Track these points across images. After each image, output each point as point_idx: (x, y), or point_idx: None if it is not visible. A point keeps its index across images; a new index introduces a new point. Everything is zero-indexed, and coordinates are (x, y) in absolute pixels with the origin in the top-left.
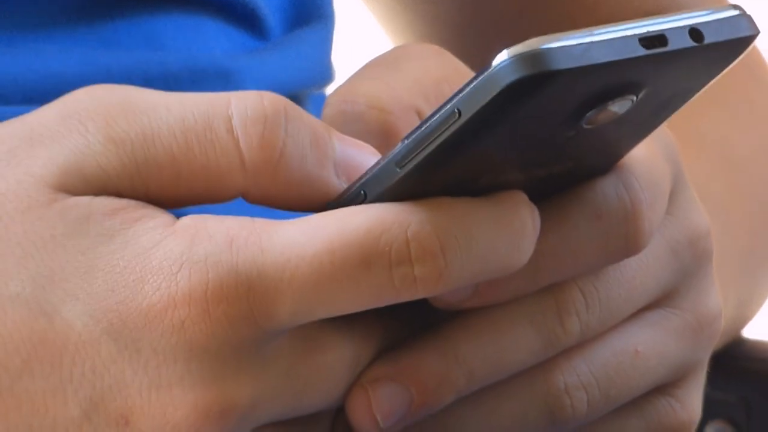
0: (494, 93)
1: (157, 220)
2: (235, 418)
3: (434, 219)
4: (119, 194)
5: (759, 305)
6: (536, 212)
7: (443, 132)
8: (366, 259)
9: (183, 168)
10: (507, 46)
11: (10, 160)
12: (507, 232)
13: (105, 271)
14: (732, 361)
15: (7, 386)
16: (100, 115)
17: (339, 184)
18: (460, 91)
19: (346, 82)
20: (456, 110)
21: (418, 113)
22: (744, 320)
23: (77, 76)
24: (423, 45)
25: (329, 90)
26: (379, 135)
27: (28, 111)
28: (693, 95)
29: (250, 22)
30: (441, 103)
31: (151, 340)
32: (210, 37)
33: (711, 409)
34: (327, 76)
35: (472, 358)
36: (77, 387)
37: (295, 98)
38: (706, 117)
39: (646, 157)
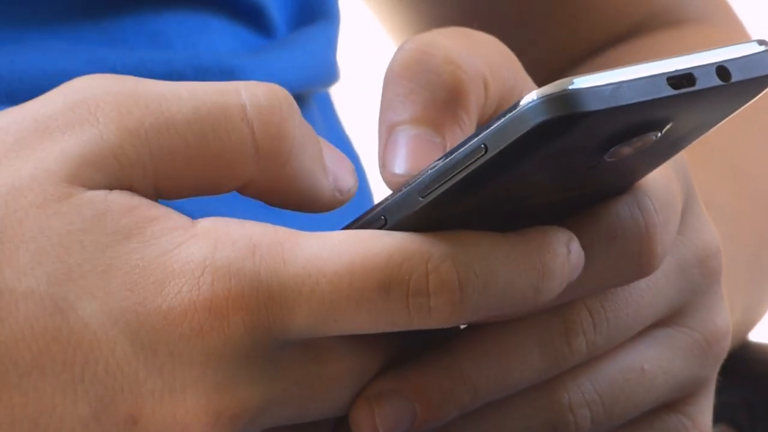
0: (522, 132)
1: (175, 221)
2: (243, 423)
3: (456, 254)
4: (132, 185)
5: (765, 310)
6: (574, 249)
7: (468, 166)
8: (385, 284)
9: (195, 157)
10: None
11: (20, 152)
12: (527, 273)
13: (124, 270)
14: (735, 364)
15: (15, 382)
16: (110, 104)
17: (329, 184)
18: (488, 126)
19: (424, 34)
20: (483, 145)
21: (485, 83)
22: (750, 325)
23: (82, 74)
24: (488, 34)
25: (334, 90)
26: (451, 90)
27: None
28: (713, 126)
29: (255, 20)
30: (499, 82)
31: (168, 343)
32: (215, 35)
33: (714, 412)
34: (332, 75)
35: (477, 376)
36: (88, 386)
37: (300, 97)
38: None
39: (660, 177)
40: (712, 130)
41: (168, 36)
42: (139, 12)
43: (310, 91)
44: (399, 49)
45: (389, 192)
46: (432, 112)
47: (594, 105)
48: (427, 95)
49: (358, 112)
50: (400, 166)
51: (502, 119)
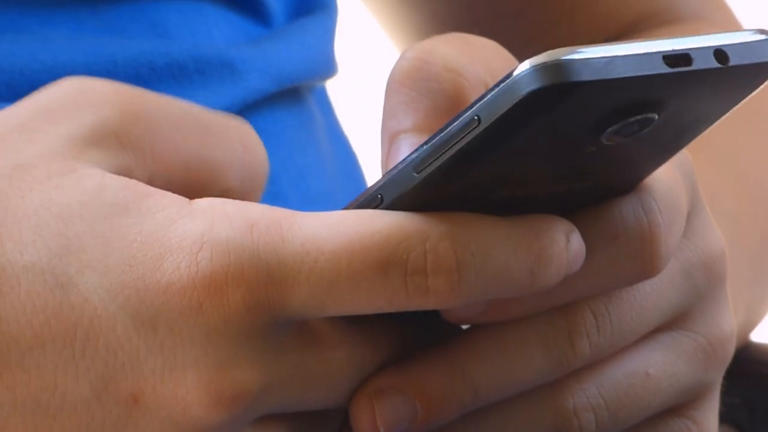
0: (514, 101)
1: (171, 198)
2: (245, 404)
3: (454, 234)
4: (130, 168)
5: (767, 311)
6: (574, 239)
7: (462, 138)
8: (383, 263)
9: (191, 156)
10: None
11: (22, 135)
12: (524, 256)
13: (122, 244)
14: (737, 365)
15: (17, 360)
16: (111, 92)
17: None
18: (481, 98)
19: (424, 42)
20: (476, 117)
21: (486, 88)
22: (752, 326)
23: (83, 66)
24: (488, 39)
25: (329, 83)
26: (451, 96)
27: None
28: (716, 120)
29: (253, 10)
30: None
31: (168, 320)
32: (213, 24)
33: None
34: (330, 67)
35: (479, 376)
36: (89, 364)
37: (297, 90)
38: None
39: (666, 178)
40: (714, 129)
41: (166, 25)
42: (136, 0)
43: (308, 85)
44: (400, 58)
45: None
46: (434, 120)
47: (586, 75)
48: (429, 103)
49: (354, 109)
50: None
51: (495, 89)
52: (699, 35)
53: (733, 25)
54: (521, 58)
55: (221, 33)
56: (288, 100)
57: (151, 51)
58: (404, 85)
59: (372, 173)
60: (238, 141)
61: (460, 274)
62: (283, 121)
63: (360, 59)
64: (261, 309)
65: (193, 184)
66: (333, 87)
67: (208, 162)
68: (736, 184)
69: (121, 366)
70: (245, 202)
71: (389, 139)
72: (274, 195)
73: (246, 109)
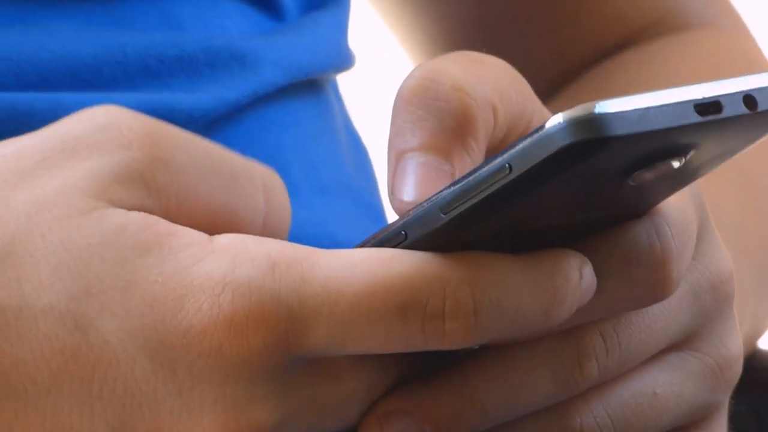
0: (547, 154)
1: (192, 236)
2: None
3: (473, 279)
4: (152, 213)
5: None
6: (586, 273)
7: (492, 185)
8: (403, 307)
9: (214, 207)
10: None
11: (46, 171)
12: (539, 298)
13: (143, 286)
14: (744, 373)
15: (33, 400)
16: (142, 130)
17: None
18: (513, 146)
19: (432, 61)
20: (507, 165)
21: (494, 108)
22: (758, 335)
23: (91, 57)
24: (496, 58)
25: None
26: (459, 117)
27: (43, 95)
28: (736, 153)
29: (265, 2)
30: (509, 107)
31: (188, 362)
32: (226, 17)
33: None
34: (345, 60)
35: (488, 398)
36: (106, 404)
37: (315, 82)
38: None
39: (678, 202)
40: None
41: (179, 17)
42: None
43: (325, 77)
44: (407, 77)
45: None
46: (441, 139)
47: (620, 130)
48: (436, 122)
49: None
50: (409, 193)
51: (528, 139)
52: (727, 79)
53: (742, 30)
54: (527, 63)
55: (235, 26)
56: (303, 92)
57: (162, 43)
58: (411, 104)
59: (379, 170)
60: (262, 189)
61: (476, 317)
62: (296, 113)
63: (367, 56)
64: (279, 348)
65: (213, 232)
66: (343, 82)
67: (231, 212)
68: (741, 194)
69: (138, 407)
70: (266, 238)
71: (396, 157)
72: (287, 185)
73: (257, 101)
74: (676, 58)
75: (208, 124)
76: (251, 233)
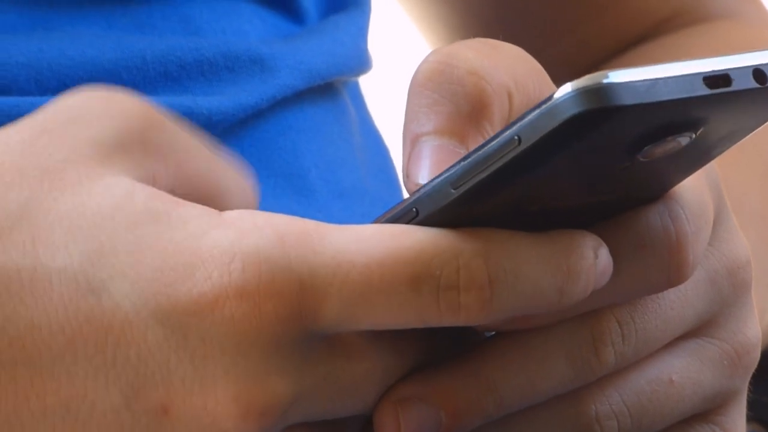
0: (556, 124)
1: (200, 208)
2: (274, 416)
3: (487, 251)
4: (155, 176)
5: None
6: (602, 254)
7: (501, 157)
8: (416, 278)
9: (203, 170)
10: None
11: (51, 141)
12: (554, 274)
13: (153, 251)
14: (764, 361)
15: (48, 366)
16: (134, 101)
17: None
18: (521, 118)
19: (448, 46)
20: (516, 137)
21: (509, 94)
22: None
23: (111, 62)
24: (514, 45)
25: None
26: (473, 101)
27: None
28: (750, 133)
29: (285, 7)
30: (526, 96)
31: (200, 330)
32: (245, 21)
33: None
34: (364, 64)
35: (504, 385)
36: (120, 371)
37: (331, 86)
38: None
39: (693, 186)
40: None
41: (197, 22)
42: None
43: (341, 80)
44: (423, 61)
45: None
46: (456, 123)
47: (628, 99)
48: (451, 106)
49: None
50: (424, 176)
51: (536, 111)
52: (737, 54)
53: (767, 22)
54: (550, 54)
55: (254, 30)
56: (320, 96)
57: (181, 47)
58: (427, 88)
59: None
60: (237, 170)
61: (492, 290)
62: (314, 117)
63: (388, 56)
64: (293, 320)
65: (200, 200)
66: (365, 83)
67: (216, 179)
68: (763, 182)
69: (151, 375)
70: (273, 213)
71: (411, 141)
72: (304, 189)
73: (276, 105)
74: (698, 49)
75: (227, 128)
76: (230, 205)
